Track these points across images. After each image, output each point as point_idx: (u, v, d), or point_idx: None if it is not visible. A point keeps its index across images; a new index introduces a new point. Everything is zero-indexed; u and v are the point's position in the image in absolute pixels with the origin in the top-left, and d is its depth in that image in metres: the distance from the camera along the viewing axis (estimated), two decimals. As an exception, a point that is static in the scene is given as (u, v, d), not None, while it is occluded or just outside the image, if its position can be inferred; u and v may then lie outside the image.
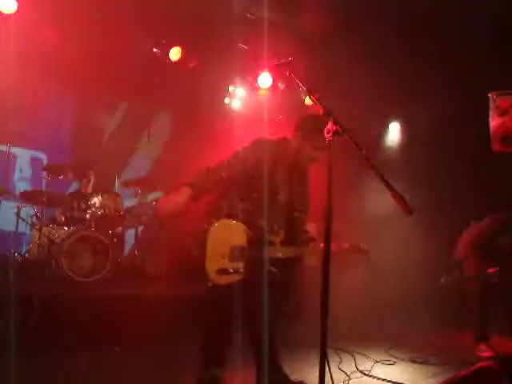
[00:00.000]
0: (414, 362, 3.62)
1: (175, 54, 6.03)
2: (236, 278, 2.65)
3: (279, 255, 2.76)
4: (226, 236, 2.69)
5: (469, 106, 5.61)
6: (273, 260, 2.74)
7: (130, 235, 6.22)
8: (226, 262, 2.65)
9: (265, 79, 6.53)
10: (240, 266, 2.67)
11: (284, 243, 2.81)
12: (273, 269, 2.73)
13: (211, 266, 2.64)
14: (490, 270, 3.73)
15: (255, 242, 2.73)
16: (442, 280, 5.74)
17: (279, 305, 2.86)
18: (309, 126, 2.84)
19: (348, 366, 3.32)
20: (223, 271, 2.64)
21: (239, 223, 2.74)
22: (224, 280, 2.64)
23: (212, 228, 2.68)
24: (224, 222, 2.73)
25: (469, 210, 4.70)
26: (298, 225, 2.94)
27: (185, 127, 7.16)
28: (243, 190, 2.81)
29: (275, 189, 2.85)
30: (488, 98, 4.90)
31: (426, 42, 5.39)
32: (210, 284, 2.66)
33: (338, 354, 3.48)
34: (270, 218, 2.78)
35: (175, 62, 6.07)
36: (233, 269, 2.65)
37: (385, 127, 7.44)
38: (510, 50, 4.97)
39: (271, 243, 2.77)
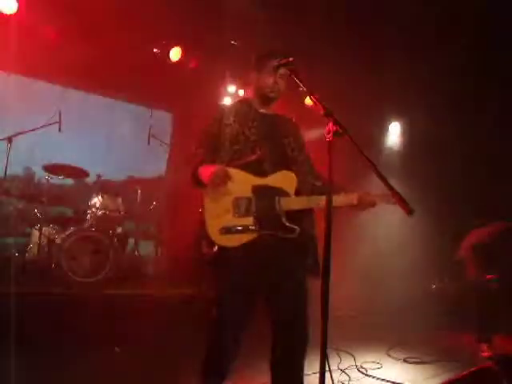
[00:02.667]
0: (413, 362, 3.62)
1: (175, 53, 6.04)
2: (247, 237, 2.10)
3: (295, 207, 2.15)
4: (227, 187, 2.09)
5: (471, 107, 5.62)
6: (288, 213, 2.14)
7: (129, 235, 6.20)
8: (230, 218, 2.12)
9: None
10: (250, 221, 2.11)
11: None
12: (291, 225, 2.12)
13: (213, 226, 2.10)
14: (488, 276, 3.79)
15: (263, 190, 2.15)
16: (434, 287, 5.82)
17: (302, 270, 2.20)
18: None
19: (348, 366, 3.32)
20: (228, 230, 2.09)
21: (239, 170, 2.16)
22: (233, 241, 2.09)
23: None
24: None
25: (472, 212, 4.71)
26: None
27: (185, 127, 7.15)
28: None
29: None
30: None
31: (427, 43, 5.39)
32: (215, 248, 2.10)
33: (338, 354, 3.48)
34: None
35: (175, 62, 6.08)
36: (241, 226, 2.10)
37: (385, 127, 7.45)
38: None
39: (283, 193, 2.16)
